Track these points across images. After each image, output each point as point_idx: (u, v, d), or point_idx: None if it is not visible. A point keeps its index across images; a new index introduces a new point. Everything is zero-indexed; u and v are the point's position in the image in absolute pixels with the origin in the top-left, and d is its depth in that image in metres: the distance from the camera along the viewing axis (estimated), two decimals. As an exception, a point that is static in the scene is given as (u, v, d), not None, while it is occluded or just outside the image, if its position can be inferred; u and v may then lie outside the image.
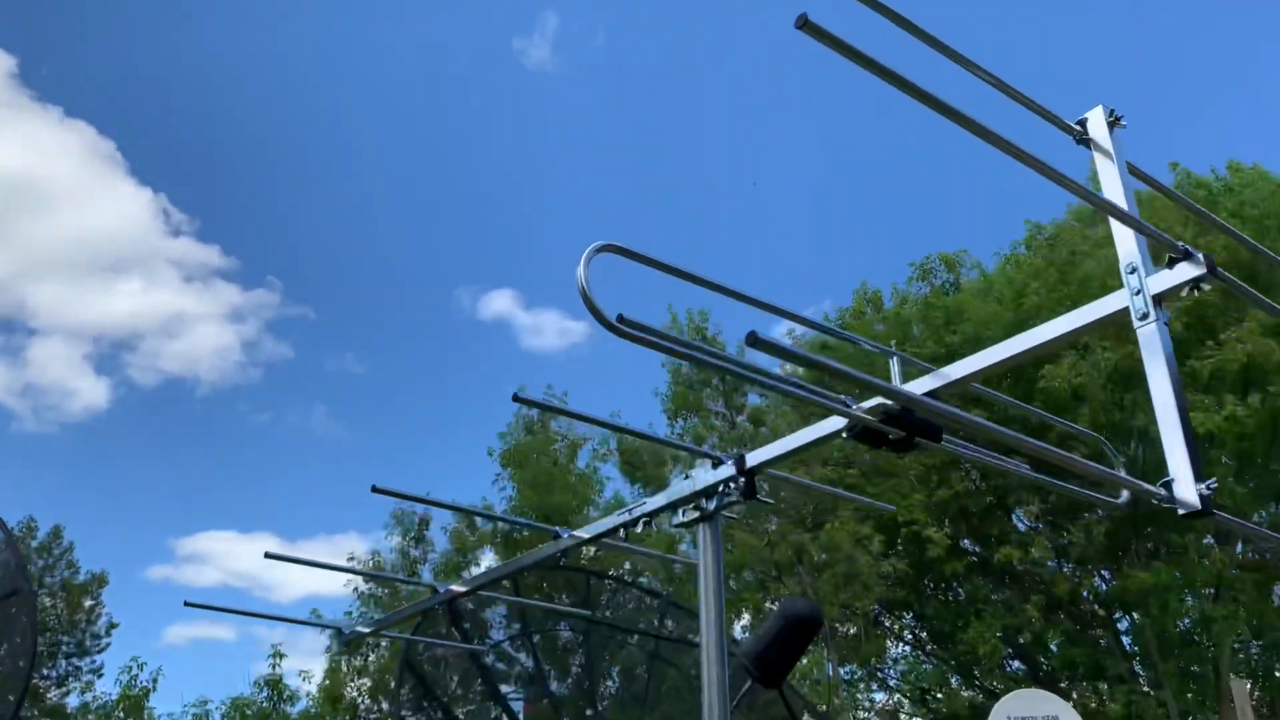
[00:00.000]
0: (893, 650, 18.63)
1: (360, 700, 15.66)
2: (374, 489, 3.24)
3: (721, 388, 19.02)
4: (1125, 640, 17.36)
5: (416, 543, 16.17)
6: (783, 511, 18.02)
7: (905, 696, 18.41)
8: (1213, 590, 16.79)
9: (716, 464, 2.92)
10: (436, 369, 34.46)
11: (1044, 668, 17.28)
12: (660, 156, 34.93)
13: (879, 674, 18.60)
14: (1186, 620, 16.91)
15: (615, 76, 35.27)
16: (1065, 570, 17.06)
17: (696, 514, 2.97)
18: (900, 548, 17.29)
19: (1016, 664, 17.82)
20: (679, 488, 3.02)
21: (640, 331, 2.07)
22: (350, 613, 15.87)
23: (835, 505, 17.12)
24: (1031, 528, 17.59)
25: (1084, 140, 2.34)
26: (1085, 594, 17.74)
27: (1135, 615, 17.14)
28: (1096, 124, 2.37)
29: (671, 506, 3.04)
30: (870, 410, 2.39)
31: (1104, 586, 16.80)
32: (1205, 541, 17.01)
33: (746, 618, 17.23)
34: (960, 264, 18.66)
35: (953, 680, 17.89)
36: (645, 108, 34.56)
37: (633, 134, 34.83)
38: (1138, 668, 17.14)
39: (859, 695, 18.00)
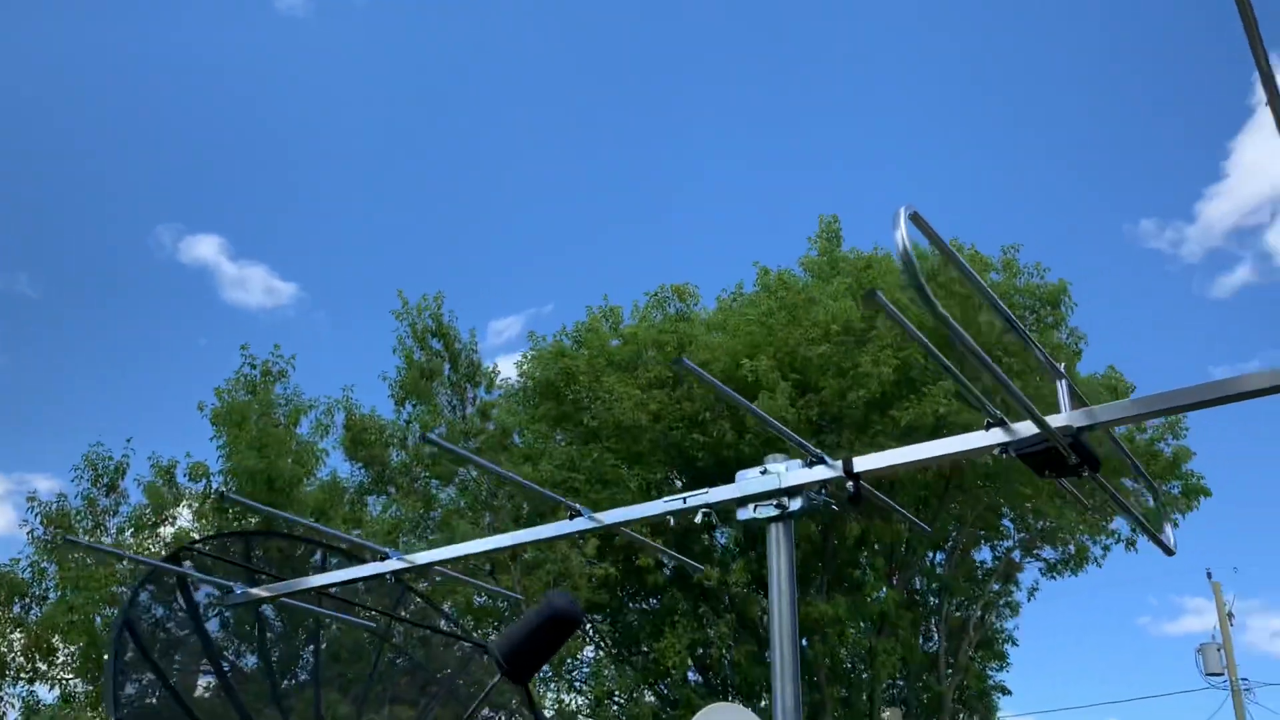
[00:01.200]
0: (586, 652, 19.02)
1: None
2: (425, 439, 2.96)
3: (453, 379, 18.71)
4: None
5: (108, 491, 14.65)
6: (499, 508, 17.99)
7: (587, 699, 18.82)
8: (877, 624, 18.46)
9: (812, 462, 2.91)
10: (124, 307, 31.52)
11: (725, 684, 18.25)
12: (411, 125, 33.89)
13: (567, 675, 18.92)
14: (851, 650, 18.47)
15: (362, 24, 33.89)
16: (757, 594, 18.13)
17: (776, 511, 2.94)
18: (610, 555, 17.70)
19: (697, 677, 18.72)
20: (755, 481, 2.98)
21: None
22: (18, 559, 14.15)
23: (556, 507, 17.31)
24: (730, 549, 18.57)
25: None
26: (765, 619, 18.91)
27: (809, 642, 18.46)
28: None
29: (745, 500, 3.00)
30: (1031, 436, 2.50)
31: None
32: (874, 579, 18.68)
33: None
34: (692, 296, 19.58)
35: (640, 688, 18.50)
36: (396, 63, 33.42)
37: (381, 89, 33.57)
38: (804, 692, 18.48)
39: (547, 693, 18.22)
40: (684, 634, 17.27)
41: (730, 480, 3.04)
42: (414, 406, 18.20)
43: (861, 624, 18.06)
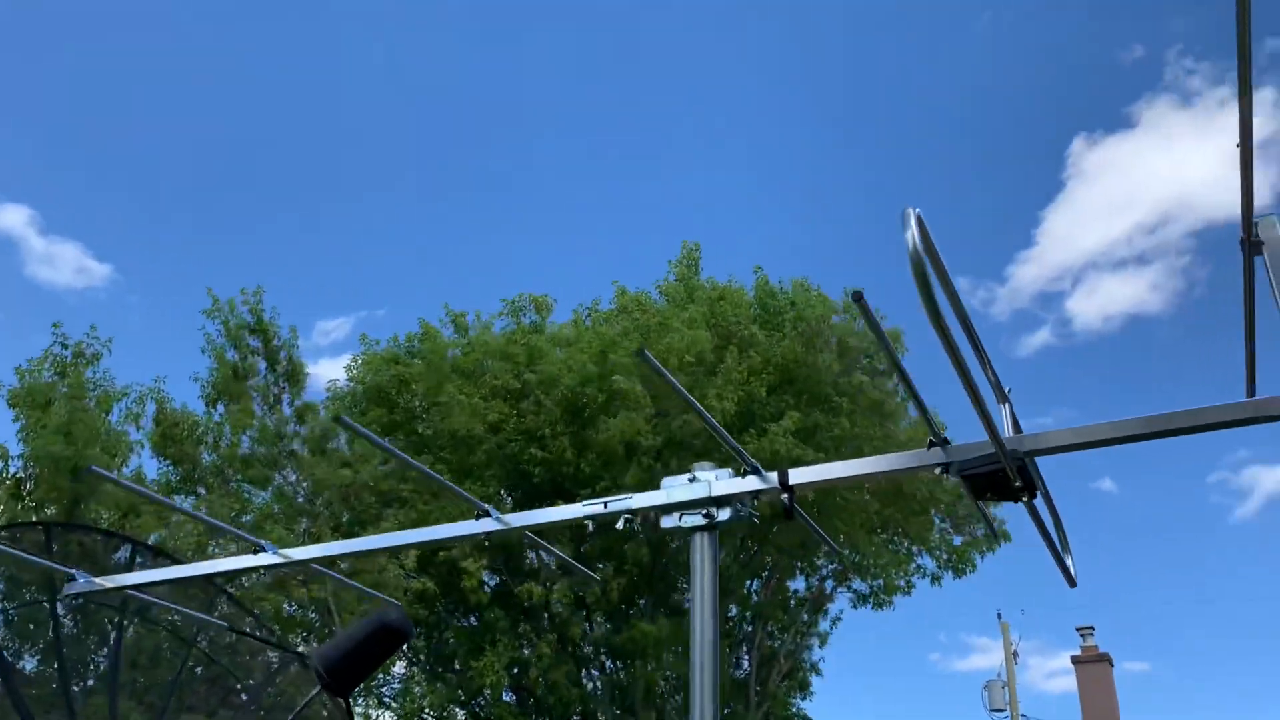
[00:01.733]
0: (398, 668, 18.48)
1: None
2: (340, 421, 2.76)
3: (270, 379, 17.96)
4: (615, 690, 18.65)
5: None
6: (318, 514, 17.33)
7: (396, 715, 18.28)
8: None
9: (745, 471, 2.86)
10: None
11: (539, 705, 18.03)
12: (247, 110, 32.49)
13: (377, 690, 18.33)
14: (668, 674, 18.59)
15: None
16: (579, 614, 18.04)
17: (703, 520, 2.88)
18: (432, 569, 17.30)
19: (512, 697, 18.44)
20: (683, 489, 2.92)
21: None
22: None
23: (377, 517, 16.81)
24: (559, 569, 18.43)
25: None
26: (586, 639, 18.85)
27: (627, 664, 18.49)
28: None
29: (671, 508, 2.93)
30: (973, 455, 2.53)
31: (616, 634, 17.96)
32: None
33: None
34: (548, 307, 19.39)
35: (449, 706, 18.09)
36: (239, 43, 32.02)
37: (222, 69, 32.09)
38: (618, 713, 18.47)
39: (355, 707, 17.58)
40: (504, 652, 17.00)
41: (570, 500, 2.99)
42: (225, 406, 17.38)
43: (680, 648, 18.20)
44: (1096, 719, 19.54)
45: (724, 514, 2.88)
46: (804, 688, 22.58)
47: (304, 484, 17.70)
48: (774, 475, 2.80)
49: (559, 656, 17.64)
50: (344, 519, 17.31)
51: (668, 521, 2.92)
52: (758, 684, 20.42)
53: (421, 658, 19.22)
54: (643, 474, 16.93)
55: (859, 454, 19.28)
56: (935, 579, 21.53)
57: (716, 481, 2.89)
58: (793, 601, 21.62)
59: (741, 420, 17.37)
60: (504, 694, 18.09)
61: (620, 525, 3.01)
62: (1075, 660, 20.40)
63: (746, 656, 20.82)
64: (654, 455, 17.15)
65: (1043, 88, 33.88)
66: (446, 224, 32.64)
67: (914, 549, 21.13)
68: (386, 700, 18.80)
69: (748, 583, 20.88)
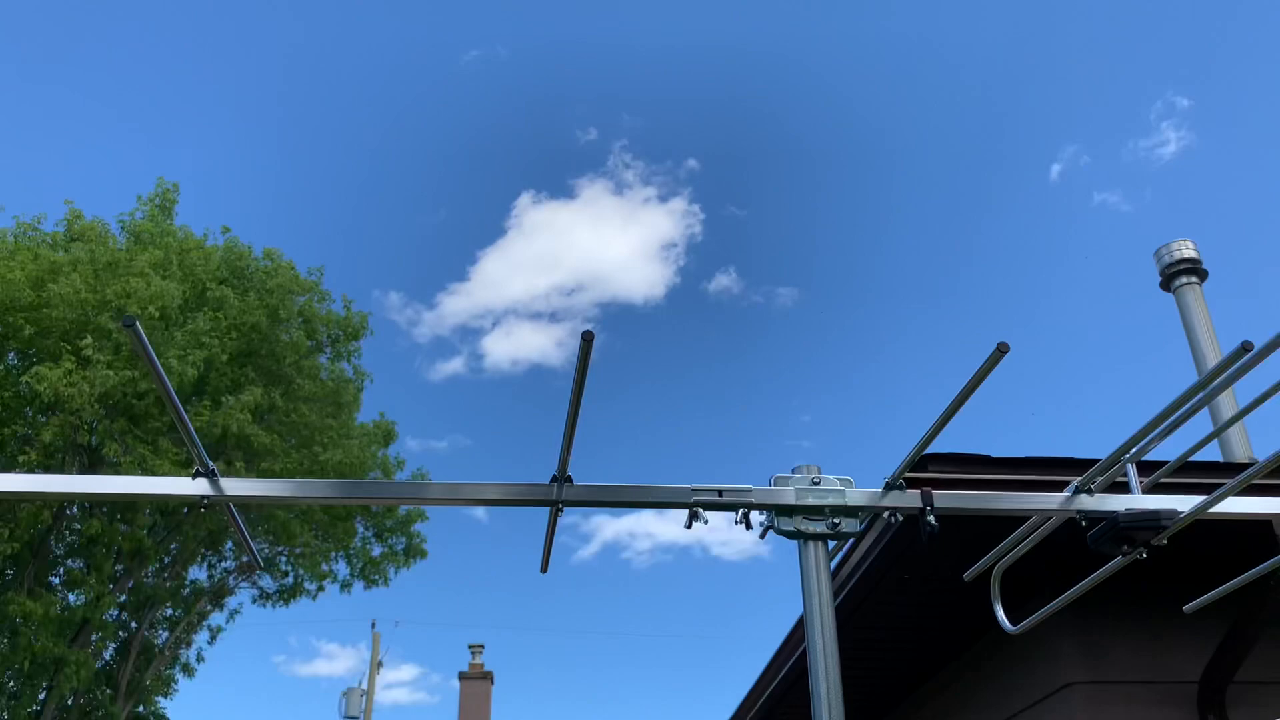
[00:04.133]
0: None
1: None
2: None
3: None
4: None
5: None
6: None
7: None
8: (76, 630, 16.22)
9: (888, 486, 2.58)
10: None
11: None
12: None
13: None
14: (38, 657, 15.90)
15: None
16: None
17: (826, 529, 2.54)
18: None
19: None
20: (811, 491, 2.56)
21: None
22: None
23: None
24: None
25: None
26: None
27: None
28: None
29: (791, 508, 2.55)
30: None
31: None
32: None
33: None
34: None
35: None
36: None
37: None
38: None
39: None
40: None
41: None
42: None
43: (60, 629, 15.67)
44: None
45: (852, 526, 2.58)
46: (167, 684, 20.66)
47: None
48: (918, 494, 2.57)
49: None
50: None
51: (785, 524, 2.54)
52: (134, 675, 18.30)
53: None
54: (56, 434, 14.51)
55: (312, 442, 18.34)
56: (346, 585, 21.05)
57: (850, 490, 2.58)
58: (189, 591, 19.75)
59: (193, 387, 15.65)
60: None
61: (736, 519, 2.55)
62: (462, 676, 21.10)
63: (131, 646, 18.54)
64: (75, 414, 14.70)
65: (512, 136, 35.69)
66: None
67: (334, 554, 20.44)
68: None
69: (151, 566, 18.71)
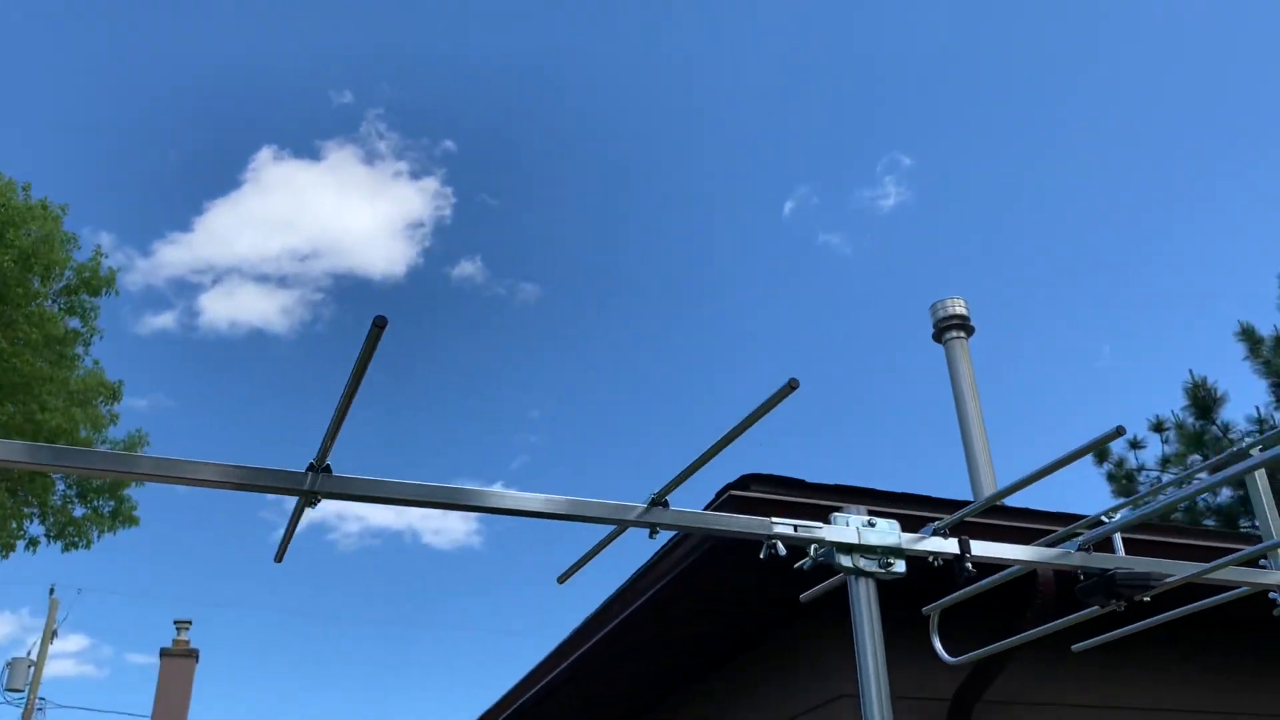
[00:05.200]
0: None
1: None
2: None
3: None
4: None
5: None
6: None
7: None
8: None
9: (926, 533, 2.81)
10: None
11: None
12: None
13: None
14: None
15: None
16: None
17: (879, 569, 2.75)
18: None
19: None
20: (870, 532, 2.76)
21: None
22: None
23: None
24: None
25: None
26: None
27: None
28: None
29: (850, 546, 2.74)
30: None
31: None
32: None
33: None
34: None
35: None
36: None
37: None
38: None
39: None
40: None
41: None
42: None
43: None
44: (170, 707, 19.14)
45: (900, 567, 2.79)
46: None
47: None
48: (955, 541, 2.83)
49: None
50: None
51: (845, 560, 2.72)
52: None
53: None
54: None
55: (27, 391, 16.62)
56: (33, 544, 19.19)
57: (896, 534, 2.80)
58: None
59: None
60: None
61: (810, 556, 2.69)
62: (164, 652, 19.78)
63: None
64: None
65: (261, 83, 33.86)
66: None
67: (28, 510, 18.58)
68: None
69: None
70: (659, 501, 2.60)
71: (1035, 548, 3.02)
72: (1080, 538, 3.03)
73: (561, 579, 3.02)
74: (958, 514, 2.85)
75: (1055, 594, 4.76)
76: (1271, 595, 3.23)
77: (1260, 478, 3.28)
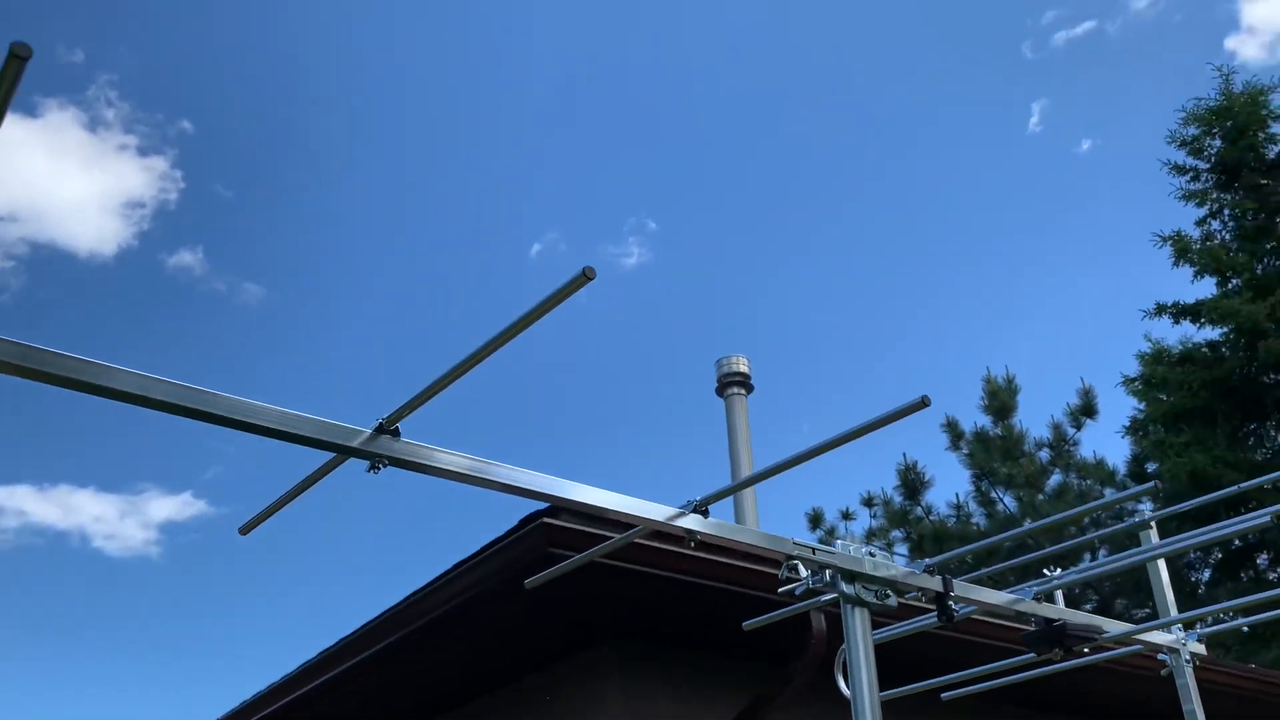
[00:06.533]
0: None
1: None
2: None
3: None
4: None
5: None
6: None
7: None
8: None
9: (926, 571, 2.81)
10: None
11: None
12: None
13: None
14: None
15: None
16: None
17: (876, 600, 2.72)
18: None
19: None
20: (870, 562, 2.72)
21: None
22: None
23: None
24: None
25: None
26: None
27: None
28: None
29: (855, 575, 2.68)
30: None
31: None
32: None
33: None
34: None
35: None
36: None
37: None
38: None
39: None
40: None
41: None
42: None
43: None
44: None
45: (892, 600, 2.76)
46: None
47: None
48: (939, 579, 2.83)
49: None
50: None
51: (848, 588, 2.66)
52: None
53: None
54: None
55: None
56: None
57: (890, 566, 2.77)
58: None
59: None
60: None
61: (803, 580, 2.59)
62: None
63: None
64: None
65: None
66: None
67: None
68: None
69: None
70: (388, 429, 1.96)
71: (998, 591, 3.10)
72: (1032, 585, 3.15)
73: (244, 529, 2.54)
74: (942, 556, 2.86)
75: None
76: (1160, 656, 3.48)
77: (1161, 565, 3.56)
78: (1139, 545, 3.47)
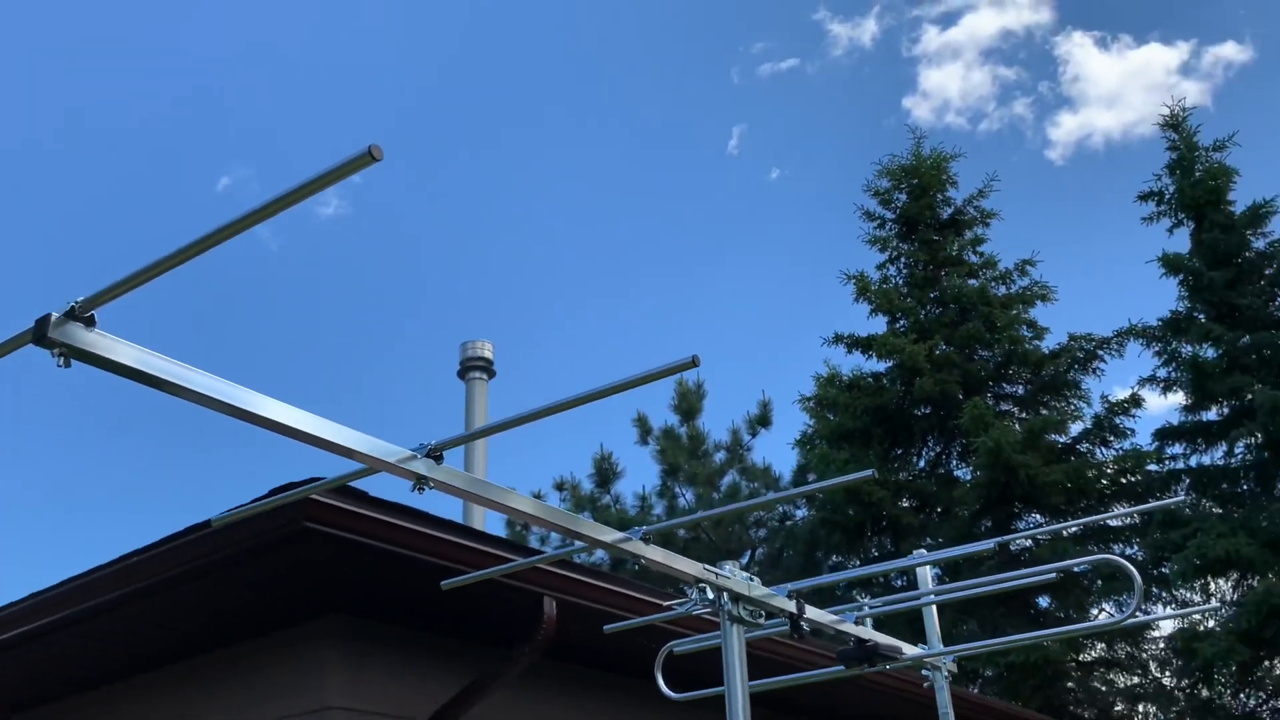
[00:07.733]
0: None
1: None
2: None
3: None
4: None
5: None
6: None
7: None
8: None
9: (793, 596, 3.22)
10: None
11: None
12: None
13: None
14: None
15: None
16: None
17: (753, 618, 3.12)
18: None
19: None
20: (753, 586, 3.12)
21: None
22: None
23: None
24: None
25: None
26: None
27: None
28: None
29: (739, 596, 3.06)
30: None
31: None
32: None
33: None
34: None
35: None
36: None
37: None
38: None
39: None
40: None
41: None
42: None
43: None
44: None
45: (763, 621, 3.17)
46: None
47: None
48: (794, 603, 3.26)
49: None
50: None
51: (732, 608, 3.03)
52: None
53: None
54: None
55: None
56: None
57: (760, 589, 3.17)
58: None
59: None
60: None
61: (694, 599, 2.93)
62: None
63: None
64: None
65: None
66: None
67: None
68: None
69: None
70: (80, 316, 1.59)
71: (827, 613, 3.61)
72: (856, 607, 3.68)
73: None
74: (810, 581, 3.31)
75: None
76: (924, 671, 4.14)
77: (932, 610, 4.21)
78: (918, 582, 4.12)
